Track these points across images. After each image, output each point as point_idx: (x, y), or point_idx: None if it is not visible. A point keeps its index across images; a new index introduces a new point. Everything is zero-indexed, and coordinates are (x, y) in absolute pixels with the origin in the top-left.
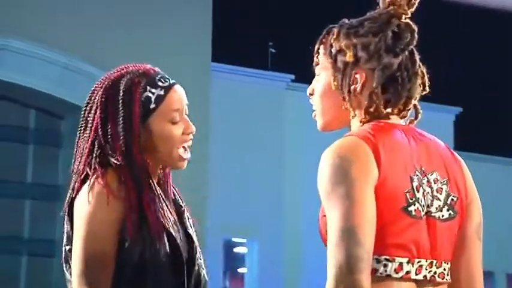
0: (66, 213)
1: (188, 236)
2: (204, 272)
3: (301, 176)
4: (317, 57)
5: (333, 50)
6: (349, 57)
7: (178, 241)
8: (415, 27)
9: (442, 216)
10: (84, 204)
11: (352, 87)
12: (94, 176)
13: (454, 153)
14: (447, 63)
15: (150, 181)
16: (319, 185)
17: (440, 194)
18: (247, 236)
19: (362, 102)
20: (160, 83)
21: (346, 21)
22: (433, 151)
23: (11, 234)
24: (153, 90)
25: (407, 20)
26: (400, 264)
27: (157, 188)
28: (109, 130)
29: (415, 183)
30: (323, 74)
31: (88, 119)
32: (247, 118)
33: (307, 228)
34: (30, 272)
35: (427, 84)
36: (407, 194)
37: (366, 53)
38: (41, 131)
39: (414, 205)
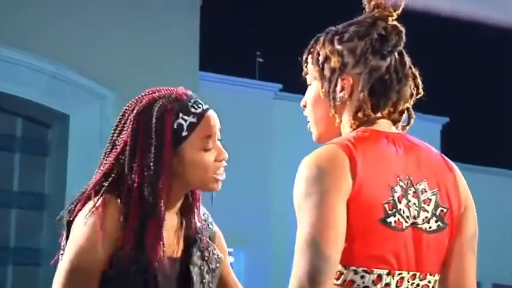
0: (65, 229)
1: (186, 273)
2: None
3: (288, 185)
4: (306, 66)
5: (320, 58)
6: (334, 62)
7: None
8: (402, 29)
9: (430, 228)
10: (77, 230)
11: (339, 94)
12: (94, 204)
13: (449, 161)
14: (433, 73)
15: (162, 214)
16: (293, 194)
17: (428, 205)
18: (233, 245)
19: (351, 108)
20: (193, 109)
21: (333, 28)
22: (423, 160)
23: None
24: (186, 117)
25: (394, 22)
26: (379, 276)
27: (171, 219)
28: (136, 161)
29: (396, 194)
30: (313, 83)
31: (116, 142)
32: (235, 127)
33: (293, 238)
34: (16, 281)
35: (420, 86)
36: (386, 205)
37: (352, 57)
38: (27, 139)
39: (394, 216)
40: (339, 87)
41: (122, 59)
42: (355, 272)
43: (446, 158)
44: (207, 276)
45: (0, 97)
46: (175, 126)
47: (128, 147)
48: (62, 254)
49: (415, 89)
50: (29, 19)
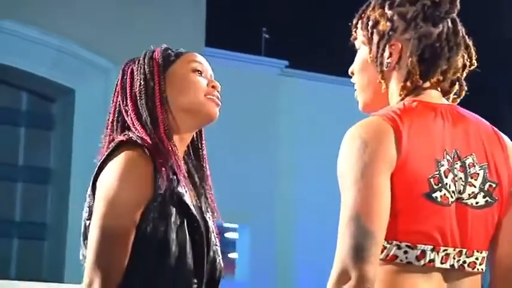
0: (91, 186)
1: (204, 220)
2: (219, 258)
3: (294, 162)
4: (355, 31)
5: (370, 22)
6: (383, 26)
7: (201, 225)
8: None
9: (477, 203)
10: (110, 178)
11: (387, 60)
12: (122, 150)
13: (501, 135)
14: None
15: (176, 155)
16: (337, 167)
17: (476, 179)
18: (238, 221)
19: (399, 76)
20: (180, 50)
21: None
22: (472, 133)
23: (2, 217)
24: (173, 50)
25: None
26: (423, 251)
27: (181, 165)
28: (128, 93)
29: (443, 168)
30: (362, 48)
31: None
32: (240, 103)
33: (299, 215)
34: (21, 255)
35: (473, 57)
36: (432, 180)
37: (402, 22)
38: (33, 113)
39: (440, 191)
40: (387, 53)
41: (128, 34)
42: (398, 247)
43: (498, 131)
44: (214, 228)
45: (5, 71)
46: (163, 55)
47: (118, 91)
48: (87, 219)
49: (468, 60)
50: None
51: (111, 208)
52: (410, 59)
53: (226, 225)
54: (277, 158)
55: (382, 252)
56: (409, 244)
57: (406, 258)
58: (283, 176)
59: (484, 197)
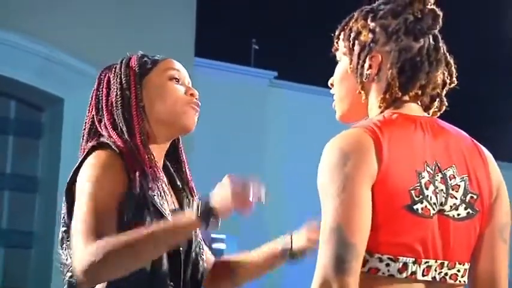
0: (64, 195)
1: None
2: (202, 261)
3: (282, 173)
4: (337, 42)
5: (352, 34)
6: (364, 37)
7: None
8: (440, 13)
9: (458, 215)
10: (85, 176)
11: (367, 71)
12: (93, 152)
13: (481, 147)
14: None
15: (152, 162)
16: (317, 180)
17: (457, 191)
18: (226, 232)
19: (378, 88)
20: (156, 57)
21: (368, 6)
22: (452, 145)
23: None
24: (149, 57)
25: (432, 6)
26: (405, 264)
27: (159, 172)
28: (104, 103)
29: (423, 180)
30: (342, 59)
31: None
32: (229, 113)
33: (287, 226)
34: (8, 264)
35: (454, 75)
36: (413, 192)
37: (383, 35)
38: (21, 122)
39: (421, 203)
40: (367, 64)
41: (117, 43)
42: (380, 260)
43: (479, 144)
44: (199, 233)
45: None
46: (139, 63)
47: (93, 102)
48: (63, 225)
49: (449, 77)
50: (24, 1)
51: (92, 197)
52: (390, 71)
53: (213, 235)
54: (265, 168)
55: (364, 265)
56: (391, 257)
57: (388, 271)
58: (271, 187)
59: (465, 208)
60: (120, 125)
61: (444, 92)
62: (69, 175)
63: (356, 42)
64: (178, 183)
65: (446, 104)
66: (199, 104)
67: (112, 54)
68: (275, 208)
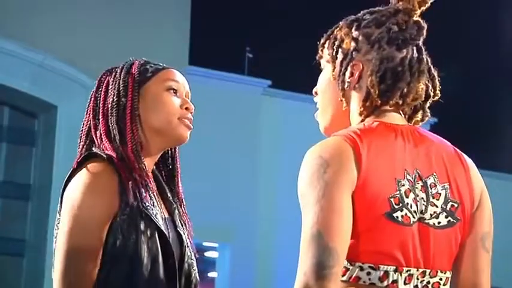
0: (59, 204)
1: (178, 233)
2: (195, 272)
3: (275, 181)
4: (321, 50)
5: (336, 42)
6: (347, 45)
7: (170, 239)
8: (424, 25)
9: (439, 223)
10: (73, 192)
11: (348, 79)
12: (86, 164)
13: (463, 156)
14: None
15: (143, 171)
16: (298, 187)
17: (438, 199)
18: (218, 240)
19: (359, 96)
20: (159, 65)
21: (353, 15)
22: (433, 153)
23: None
24: (151, 65)
25: (417, 18)
26: (386, 272)
27: (150, 181)
28: (101, 108)
29: (403, 188)
30: (326, 67)
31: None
32: (222, 122)
33: (280, 234)
34: (0, 271)
35: (437, 88)
36: (392, 200)
37: (366, 43)
38: (14, 129)
39: (401, 211)
40: (348, 72)
41: (111, 51)
42: (361, 269)
43: (461, 152)
44: (189, 242)
45: None
46: (140, 70)
47: (91, 105)
48: (56, 236)
49: (433, 90)
50: (16, 8)
51: (75, 225)
52: (370, 78)
53: (206, 243)
54: (258, 177)
55: (344, 274)
56: (371, 265)
57: (369, 279)
58: (265, 195)
59: (446, 217)
60: (114, 132)
61: (428, 104)
62: (63, 184)
63: (339, 50)
64: (169, 193)
65: (429, 115)
66: (192, 119)
67: (105, 62)
68: (268, 215)
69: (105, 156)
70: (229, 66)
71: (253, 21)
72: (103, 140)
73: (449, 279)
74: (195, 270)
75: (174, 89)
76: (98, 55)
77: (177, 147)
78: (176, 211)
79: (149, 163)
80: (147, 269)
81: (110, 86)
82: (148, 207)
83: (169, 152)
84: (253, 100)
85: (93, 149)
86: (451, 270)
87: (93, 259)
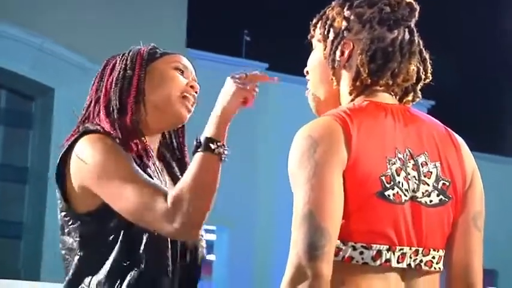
0: (55, 177)
1: None
2: (201, 247)
3: (274, 164)
4: (313, 30)
5: (328, 21)
6: (338, 25)
7: None
8: (417, 7)
9: (431, 201)
10: (90, 149)
11: (338, 58)
12: (85, 136)
13: (454, 135)
14: None
15: (142, 142)
16: (288, 167)
17: (429, 178)
18: (217, 223)
19: (349, 75)
20: (167, 51)
21: None
22: (424, 133)
23: None
24: (160, 50)
25: (410, 0)
26: (379, 251)
27: (150, 152)
28: (104, 82)
29: (394, 167)
30: (317, 46)
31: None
32: None
33: (278, 218)
34: None
35: (429, 71)
36: (384, 178)
37: (357, 23)
38: (12, 111)
39: (393, 189)
40: (339, 51)
41: (109, 34)
42: (354, 248)
43: (451, 132)
44: None
45: None
46: (149, 51)
47: (95, 81)
48: (62, 210)
49: (424, 72)
50: None
51: (122, 168)
52: (360, 57)
53: (203, 227)
54: (257, 160)
55: (337, 254)
56: (364, 244)
57: (362, 259)
58: (264, 179)
59: (438, 195)
60: (114, 103)
61: (419, 87)
62: (58, 159)
63: (331, 29)
64: (176, 168)
65: (420, 96)
66: (193, 101)
67: (103, 46)
68: (266, 199)
69: (100, 129)
70: (227, 49)
71: (251, 4)
72: (100, 113)
73: (442, 257)
74: (201, 245)
75: (181, 70)
76: (95, 38)
77: (183, 130)
78: None
79: (149, 140)
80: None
81: (117, 64)
82: (150, 173)
83: (176, 137)
84: None
85: (87, 124)
86: (444, 249)
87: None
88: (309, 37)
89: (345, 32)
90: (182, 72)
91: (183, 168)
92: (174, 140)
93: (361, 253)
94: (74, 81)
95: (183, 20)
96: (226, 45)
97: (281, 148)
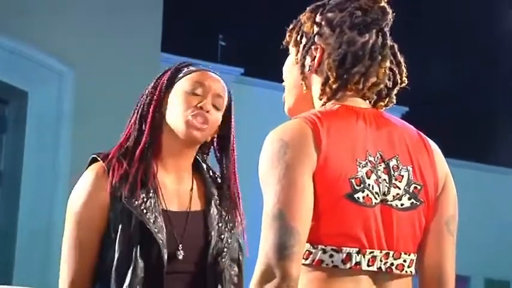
0: None
1: (198, 228)
2: (224, 264)
3: (247, 169)
4: (289, 36)
5: (301, 27)
6: (309, 29)
7: (159, 241)
8: (389, 11)
9: (402, 205)
10: (74, 191)
11: (309, 63)
12: (91, 165)
13: (427, 139)
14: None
15: (142, 170)
16: (259, 169)
17: (400, 181)
18: None
19: (319, 79)
20: (197, 67)
21: (320, 1)
22: (396, 136)
23: None
24: (189, 67)
25: (383, 4)
26: (349, 254)
27: (154, 176)
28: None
29: (365, 169)
30: (291, 51)
31: None
32: None
33: (251, 218)
34: None
35: (404, 75)
36: (353, 181)
37: (328, 28)
38: None
39: (363, 192)
40: (309, 56)
41: (83, 37)
42: (324, 251)
43: (424, 136)
44: (225, 234)
45: None
46: (174, 72)
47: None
48: None
49: (399, 77)
50: None
51: (71, 221)
52: (327, 61)
53: None
54: None
55: (307, 257)
56: (334, 247)
57: (332, 262)
58: (240, 182)
59: (409, 199)
60: (134, 127)
61: (395, 91)
62: None
63: (303, 34)
64: (213, 190)
65: (394, 101)
66: (203, 118)
67: (78, 50)
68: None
69: (104, 159)
70: (202, 54)
71: (226, 9)
72: (121, 137)
73: (414, 261)
74: (224, 263)
75: (195, 93)
76: (70, 41)
77: (232, 141)
78: (214, 207)
79: (174, 162)
80: (122, 255)
81: (147, 89)
82: (134, 203)
83: (222, 160)
84: None
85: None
86: (416, 253)
87: (87, 251)
88: (284, 43)
89: (316, 37)
90: (197, 93)
91: (223, 197)
92: (221, 164)
93: (331, 256)
94: (48, 85)
95: (159, 25)
96: (202, 49)
97: (255, 152)
